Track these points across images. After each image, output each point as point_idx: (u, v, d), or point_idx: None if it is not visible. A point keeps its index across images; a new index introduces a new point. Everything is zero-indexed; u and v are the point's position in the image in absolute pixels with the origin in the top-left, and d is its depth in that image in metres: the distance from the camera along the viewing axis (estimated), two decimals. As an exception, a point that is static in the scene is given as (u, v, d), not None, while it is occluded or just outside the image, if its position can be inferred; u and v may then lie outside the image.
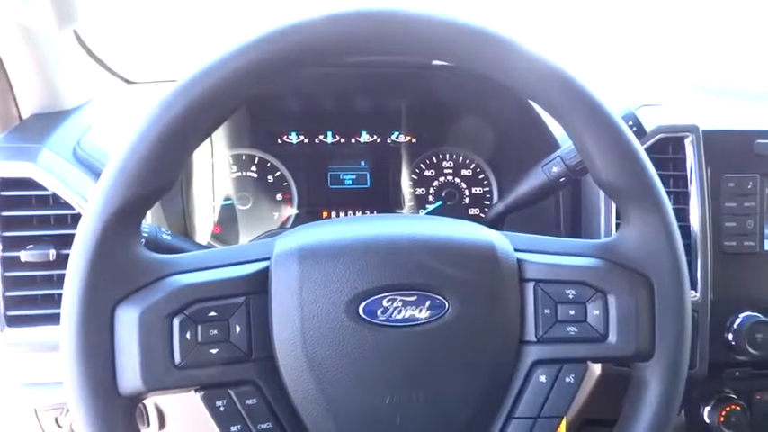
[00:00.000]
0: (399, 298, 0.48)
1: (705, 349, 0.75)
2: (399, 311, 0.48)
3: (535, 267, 0.52)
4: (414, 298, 0.48)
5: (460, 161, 1.00)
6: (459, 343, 0.49)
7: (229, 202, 0.97)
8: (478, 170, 1.00)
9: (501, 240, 0.52)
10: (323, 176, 0.98)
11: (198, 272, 0.49)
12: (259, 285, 0.49)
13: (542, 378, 0.51)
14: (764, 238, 0.79)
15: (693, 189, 0.76)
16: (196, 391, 0.48)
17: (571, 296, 0.52)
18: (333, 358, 0.48)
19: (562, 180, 0.70)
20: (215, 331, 0.47)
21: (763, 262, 0.79)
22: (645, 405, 0.52)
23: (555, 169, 0.70)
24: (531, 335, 0.52)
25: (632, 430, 0.52)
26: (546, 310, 0.52)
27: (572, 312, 0.52)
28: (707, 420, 0.80)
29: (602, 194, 0.75)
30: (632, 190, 0.51)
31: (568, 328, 0.52)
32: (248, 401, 0.48)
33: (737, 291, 0.78)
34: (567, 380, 0.52)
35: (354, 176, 0.99)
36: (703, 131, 0.77)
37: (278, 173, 0.97)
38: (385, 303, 0.48)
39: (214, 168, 0.96)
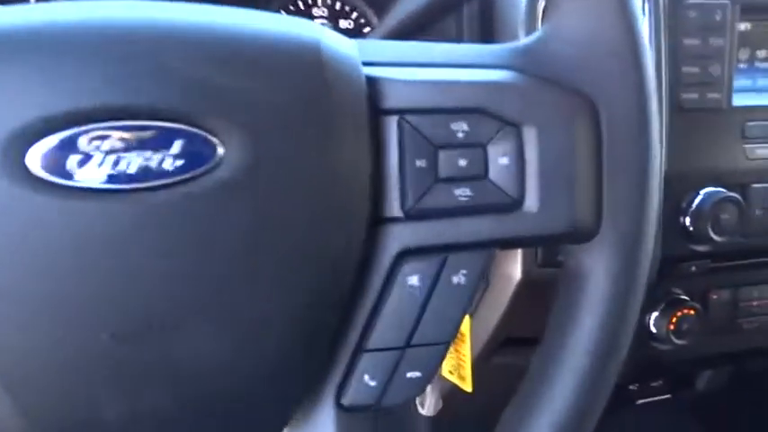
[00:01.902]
0: (117, 134, 0.24)
1: (656, 239, 0.56)
2: (117, 161, 0.24)
3: (400, 89, 0.29)
4: (149, 134, 0.24)
5: None
6: (250, 224, 0.26)
7: None
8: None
9: (339, 44, 0.29)
10: None
11: None
12: None
13: (413, 280, 0.30)
14: (732, 90, 0.59)
15: (644, 20, 0.55)
16: None
17: (461, 134, 0.29)
18: None
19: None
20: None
21: (729, 121, 0.59)
22: (582, 314, 0.32)
23: None
24: (392, 206, 0.29)
25: (562, 355, 0.32)
26: (418, 162, 0.29)
27: (463, 163, 0.29)
28: (653, 329, 0.63)
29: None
30: None
31: (457, 191, 0.30)
32: None
33: (697, 160, 0.59)
34: (456, 281, 0.30)
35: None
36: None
37: None
38: (84, 146, 0.24)
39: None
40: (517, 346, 0.65)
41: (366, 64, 0.30)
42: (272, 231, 0.26)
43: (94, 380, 0.25)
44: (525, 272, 0.56)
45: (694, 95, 0.57)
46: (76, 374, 0.25)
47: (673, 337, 0.62)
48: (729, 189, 0.58)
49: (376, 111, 0.29)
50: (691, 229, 0.57)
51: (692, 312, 0.62)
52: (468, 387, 0.54)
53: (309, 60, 0.27)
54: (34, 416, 0.25)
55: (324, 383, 0.30)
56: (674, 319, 0.62)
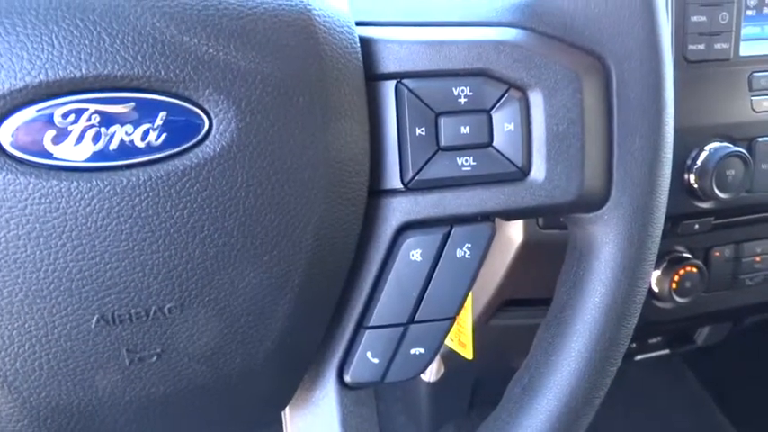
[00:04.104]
0: (93, 107, 0.22)
1: None
2: (98, 137, 0.22)
3: (398, 51, 0.27)
4: (128, 108, 0.23)
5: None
6: (241, 201, 0.24)
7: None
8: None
9: (329, 2, 0.27)
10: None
11: None
12: None
13: (416, 255, 0.28)
14: (740, 39, 0.57)
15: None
16: None
17: (463, 99, 0.28)
18: None
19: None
20: None
21: (735, 72, 0.57)
22: (591, 286, 0.30)
23: None
24: (392, 178, 0.28)
25: (570, 329, 0.31)
26: (418, 130, 0.27)
27: (466, 130, 0.28)
28: (655, 288, 0.62)
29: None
30: None
31: (460, 161, 0.28)
32: None
33: (703, 115, 0.57)
34: (460, 254, 0.29)
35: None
36: None
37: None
38: (60, 120, 0.22)
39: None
40: (515, 307, 0.65)
41: (359, 24, 0.27)
42: (264, 206, 0.25)
43: (86, 363, 0.24)
44: (527, 234, 0.55)
45: (701, 46, 0.55)
46: (67, 358, 0.24)
47: (675, 296, 0.61)
48: (735, 143, 0.56)
49: (372, 75, 0.27)
50: (695, 186, 0.56)
51: (694, 270, 0.61)
52: (468, 354, 0.54)
53: (298, 22, 0.25)
54: (26, 399, 0.24)
55: (325, 361, 0.29)
56: (676, 278, 0.61)
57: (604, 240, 0.30)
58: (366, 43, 0.27)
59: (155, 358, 0.25)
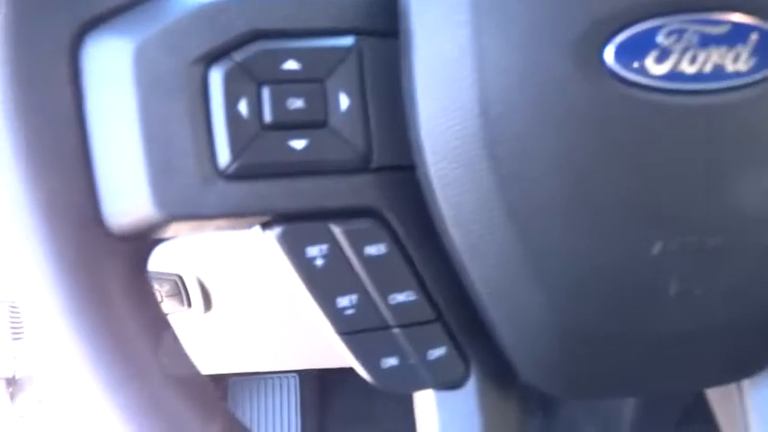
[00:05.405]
0: (693, 29, 0.22)
1: None
2: (692, 59, 0.22)
3: None
4: (723, 29, 0.22)
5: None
6: None
7: None
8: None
9: None
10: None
11: None
12: (381, 20, 0.24)
13: None
14: None
15: None
16: (264, 226, 0.24)
17: None
18: (542, 159, 0.23)
19: None
20: (300, 102, 0.23)
21: None
22: None
23: None
24: None
25: None
26: None
27: None
28: None
29: None
30: None
31: None
32: (370, 250, 0.24)
33: None
34: None
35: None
36: None
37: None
38: (660, 40, 0.22)
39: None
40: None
41: None
42: None
43: (634, 293, 0.24)
44: None
45: None
46: (619, 286, 0.24)
47: None
48: None
49: None
50: None
51: None
52: None
53: None
54: (566, 316, 0.24)
55: None
56: None
57: None
58: None
59: (693, 294, 0.24)
